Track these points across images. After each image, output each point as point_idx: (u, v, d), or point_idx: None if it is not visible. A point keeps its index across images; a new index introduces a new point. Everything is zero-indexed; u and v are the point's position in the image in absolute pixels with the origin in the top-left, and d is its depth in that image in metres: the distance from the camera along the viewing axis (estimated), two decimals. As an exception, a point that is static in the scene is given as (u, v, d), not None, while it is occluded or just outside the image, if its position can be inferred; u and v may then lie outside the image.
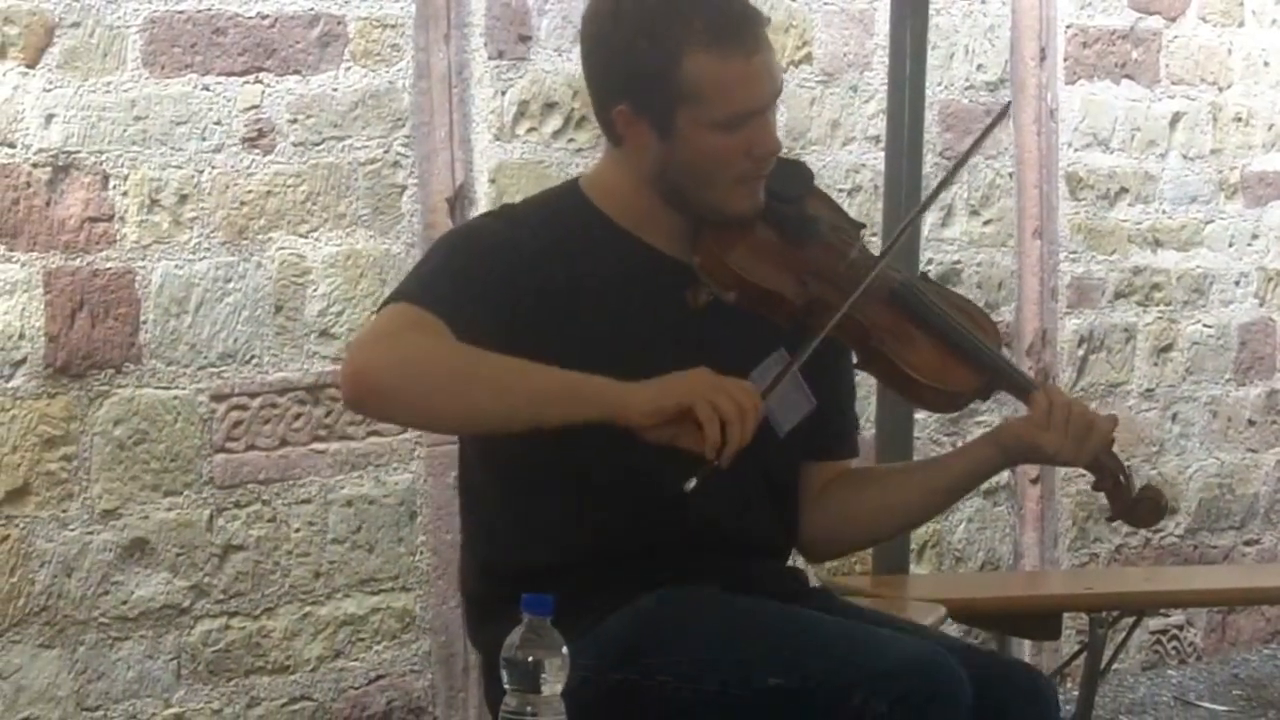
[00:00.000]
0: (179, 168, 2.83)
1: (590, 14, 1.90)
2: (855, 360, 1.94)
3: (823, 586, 2.02)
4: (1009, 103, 2.17)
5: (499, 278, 1.83)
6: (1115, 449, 1.93)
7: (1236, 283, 4.29)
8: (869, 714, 1.70)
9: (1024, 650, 3.75)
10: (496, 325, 1.80)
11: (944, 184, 2.08)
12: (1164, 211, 4.15)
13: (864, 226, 2.02)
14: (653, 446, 1.76)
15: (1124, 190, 4.09)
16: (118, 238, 2.78)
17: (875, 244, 2.96)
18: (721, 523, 1.87)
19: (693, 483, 1.75)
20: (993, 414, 3.76)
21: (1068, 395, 1.95)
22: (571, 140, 3.24)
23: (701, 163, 1.85)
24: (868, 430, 3.34)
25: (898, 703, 1.69)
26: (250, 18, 2.89)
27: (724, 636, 1.78)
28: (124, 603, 2.80)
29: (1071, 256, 4.00)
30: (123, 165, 2.78)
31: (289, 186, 2.95)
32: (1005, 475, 3.75)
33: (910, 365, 1.89)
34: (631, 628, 1.81)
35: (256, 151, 2.90)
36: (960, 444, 3.62)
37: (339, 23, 2.98)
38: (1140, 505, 1.96)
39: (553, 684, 1.59)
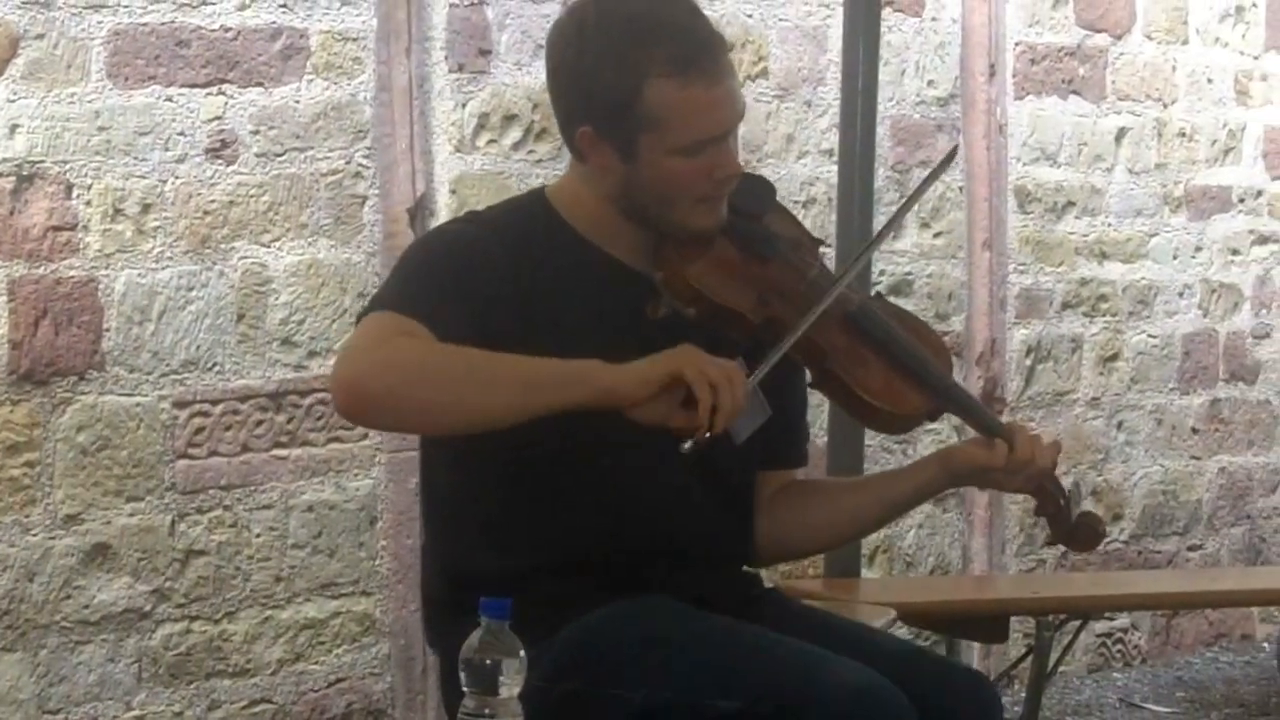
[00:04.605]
0: (142, 178, 2.85)
1: (554, 37, 1.91)
2: (809, 379, 1.97)
3: (775, 588, 2.03)
4: (955, 147, 2.24)
5: (472, 281, 1.84)
6: (1058, 470, 1.96)
7: (1180, 294, 4.36)
8: None
9: (972, 653, 3.80)
10: (473, 325, 1.81)
11: (894, 221, 2.17)
12: (1110, 224, 4.22)
13: (823, 243, 2.04)
14: (621, 440, 1.77)
15: (1071, 203, 4.15)
16: (81, 246, 2.80)
17: (829, 255, 3.02)
18: (680, 531, 1.89)
19: (689, 444, 1.75)
20: (944, 423, 3.83)
21: (1016, 425, 1.97)
22: (531, 152, 3.27)
23: (663, 185, 1.87)
24: (820, 438, 3.40)
25: None
26: (213, 30, 2.91)
27: (674, 656, 1.79)
28: (86, 607, 2.81)
29: (1020, 268, 4.06)
30: (86, 175, 2.80)
31: (251, 197, 2.97)
32: (955, 482, 3.80)
33: (863, 388, 1.91)
34: (584, 640, 1.82)
35: (219, 162, 2.93)
36: (910, 452, 3.72)
37: (301, 36, 3.00)
38: (1079, 530, 2.00)
39: (510, 686, 1.61)
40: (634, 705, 1.79)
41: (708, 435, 1.76)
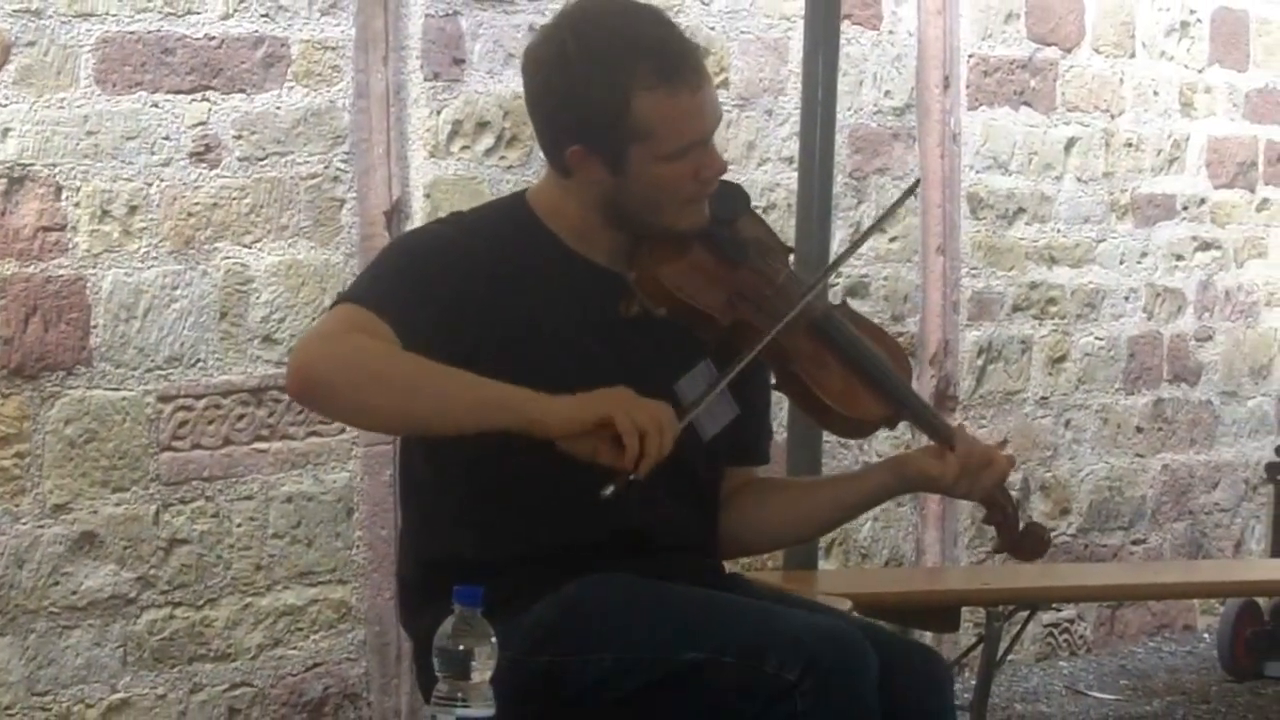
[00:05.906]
0: (129, 180, 2.91)
1: (534, 59, 1.93)
2: (773, 381, 2.02)
3: (736, 574, 2.08)
4: (917, 180, 2.33)
5: (447, 281, 1.87)
6: (1007, 481, 2.03)
7: (1126, 298, 4.47)
8: (781, 682, 1.76)
9: (925, 642, 3.92)
10: (441, 326, 1.84)
11: (860, 241, 2.27)
12: (1059, 230, 4.32)
13: (792, 250, 2.09)
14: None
15: (1022, 210, 4.24)
16: (70, 246, 2.85)
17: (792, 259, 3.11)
18: (648, 524, 1.92)
19: (610, 490, 1.78)
20: (902, 425, 3.94)
21: (969, 436, 2.01)
22: (503, 158, 3.32)
23: (653, 192, 1.91)
24: (779, 435, 3.51)
25: (808, 671, 1.76)
26: (198, 39, 2.97)
27: (642, 615, 1.84)
28: (73, 593, 2.86)
29: (972, 272, 4.15)
30: (75, 177, 2.85)
31: (234, 199, 3.03)
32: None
33: (824, 392, 1.96)
34: (554, 613, 1.86)
35: (203, 166, 2.98)
36: (866, 448, 3.83)
37: (282, 44, 3.06)
38: (1025, 540, 2.04)
39: (482, 671, 1.64)
40: (604, 666, 1.84)
41: (630, 479, 1.78)
